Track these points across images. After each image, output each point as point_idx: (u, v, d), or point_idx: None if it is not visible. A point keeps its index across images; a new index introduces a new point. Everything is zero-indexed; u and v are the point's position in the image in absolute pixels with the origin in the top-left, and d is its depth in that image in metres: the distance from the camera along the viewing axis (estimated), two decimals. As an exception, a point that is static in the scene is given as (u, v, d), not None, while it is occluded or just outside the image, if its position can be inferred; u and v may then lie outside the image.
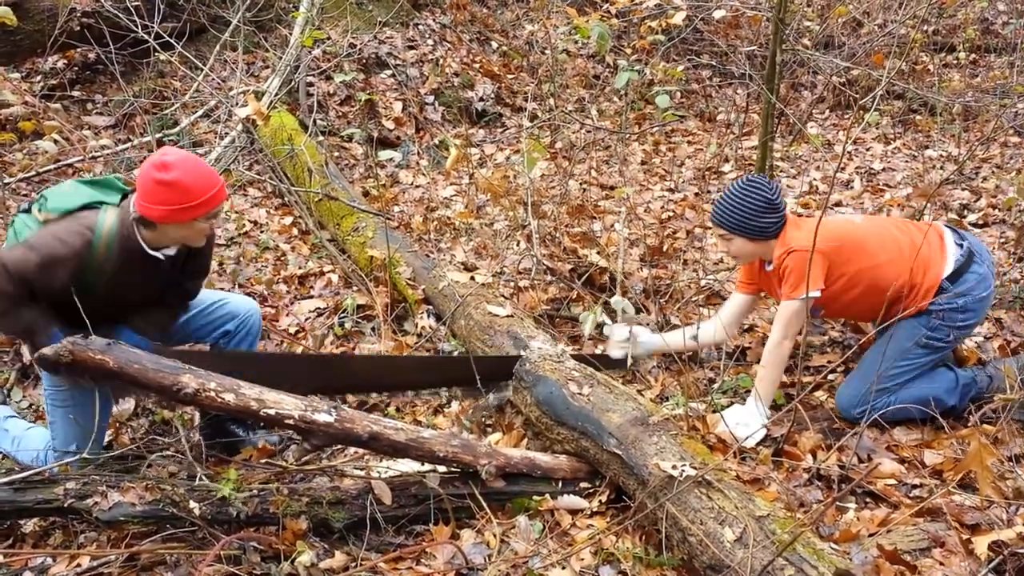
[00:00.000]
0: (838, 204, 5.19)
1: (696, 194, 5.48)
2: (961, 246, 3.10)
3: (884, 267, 3.02)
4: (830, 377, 3.41)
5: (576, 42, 7.10)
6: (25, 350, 3.65)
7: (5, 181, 4.62)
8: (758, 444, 3.00)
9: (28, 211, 2.75)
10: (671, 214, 5.16)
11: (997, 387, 3.16)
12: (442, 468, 2.80)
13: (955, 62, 7.38)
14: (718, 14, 6.17)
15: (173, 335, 3.04)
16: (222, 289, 4.28)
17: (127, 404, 3.37)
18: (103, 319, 2.72)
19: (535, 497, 2.77)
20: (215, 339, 3.12)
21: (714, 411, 3.07)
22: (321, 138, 5.64)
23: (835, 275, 3.06)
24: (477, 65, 7.15)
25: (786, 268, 3.03)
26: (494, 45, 7.62)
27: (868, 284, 3.05)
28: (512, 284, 4.07)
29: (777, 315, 3.08)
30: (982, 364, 3.31)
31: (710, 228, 4.87)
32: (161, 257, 2.77)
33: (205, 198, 2.62)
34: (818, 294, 3.00)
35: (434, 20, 7.39)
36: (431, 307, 3.93)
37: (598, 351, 3.57)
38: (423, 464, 2.81)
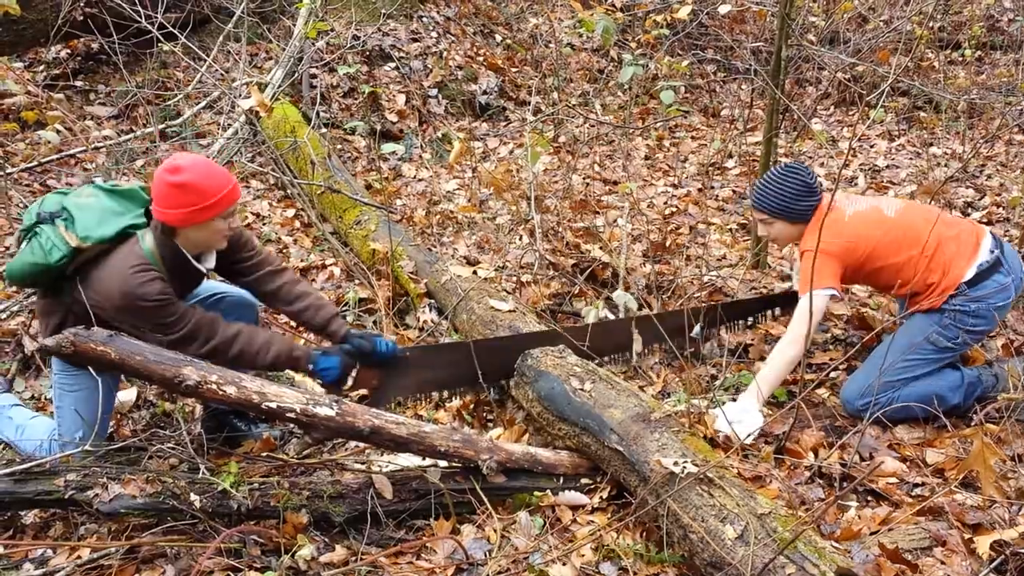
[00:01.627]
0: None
1: (700, 190, 5.47)
2: (993, 252, 3.10)
3: (901, 267, 3.06)
4: (832, 375, 3.41)
5: (580, 36, 7.10)
6: (27, 340, 3.65)
7: (8, 171, 4.61)
8: (754, 440, 2.99)
9: (51, 222, 2.68)
10: (674, 209, 5.15)
11: (1002, 387, 3.16)
12: (443, 463, 2.80)
13: (961, 59, 7.35)
14: (723, 9, 6.14)
15: None
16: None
17: (128, 396, 3.37)
18: None
19: (536, 493, 2.76)
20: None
21: (709, 408, 3.05)
22: (324, 130, 5.64)
23: (848, 273, 3.13)
24: (481, 58, 7.13)
25: (802, 267, 3.10)
26: (498, 38, 7.60)
27: (887, 279, 3.12)
28: (514, 279, 4.06)
29: (794, 314, 3.09)
30: (988, 364, 3.31)
31: (713, 224, 4.88)
32: (203, 270, 2.85)
33: (218, 197, 2.65)
34: (834, 292, 3.05)
35: (438, 12, 7.37)
36: (433, 301, 3.93)
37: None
38: (424, 459, 2.80)
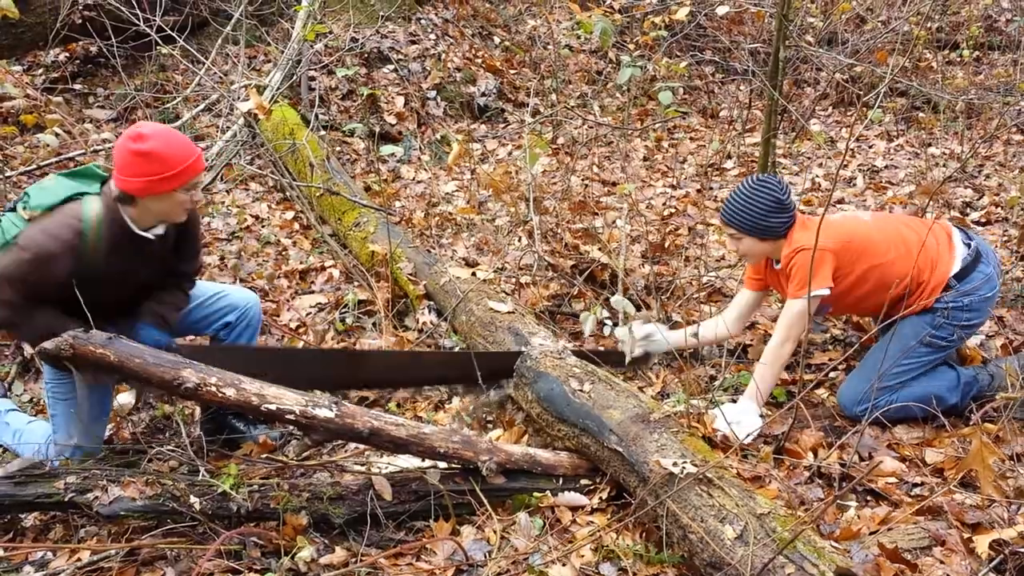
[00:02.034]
0: (840, 201, 5.17)
1: (698, 191, 5.47)
2: (968, 245, 3.10)
3: (892, 264, 3.02)
4: (831, 375, 3.41)
5: (579, 38, 7.10)
6: (26, 344, 3.66)
7: (6, 174, 4.61)
8: (753, 441, 2.99)
9: (14, 209, 2.72)
10: (673, 210, 5.15)
11: (999, 385, 3.16)
12: (443, 464, 2.80)
13: (959, 59, 7.35)
14: (721, 10, 6.16)
15: (175, 328, 3.03)
16: (223, 283, 4.28)
17: (128, 398, 3.37)
18: (115, 314, 2.72)
19: (536, 494, 2.76)
20: (215, 331, 3.12)
21: (708, 409, 3.05)
22: (323, 133, 5.64)
23: (843, 273, 3.05)
24: (479, 60, 7.13)
25: (793, 266, 3.02)
26: (496, 40, 7.60)
27: (876, 281, 3.04)
28: (513, 280, 4.06)
29: (782, 314, 3.08)
30: (984, 363, 3.31)
31: (712, 225, 4.88)
32: (151, 237, 2.75)
33: (183, 167, 2.60)
34: (827, 292, 3.00)
35: (436, 15, 7.37)
36: (432, 303, 3.93)
37: (601, 348, 3.57)
38: (424, 460, 2.81)
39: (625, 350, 3.40)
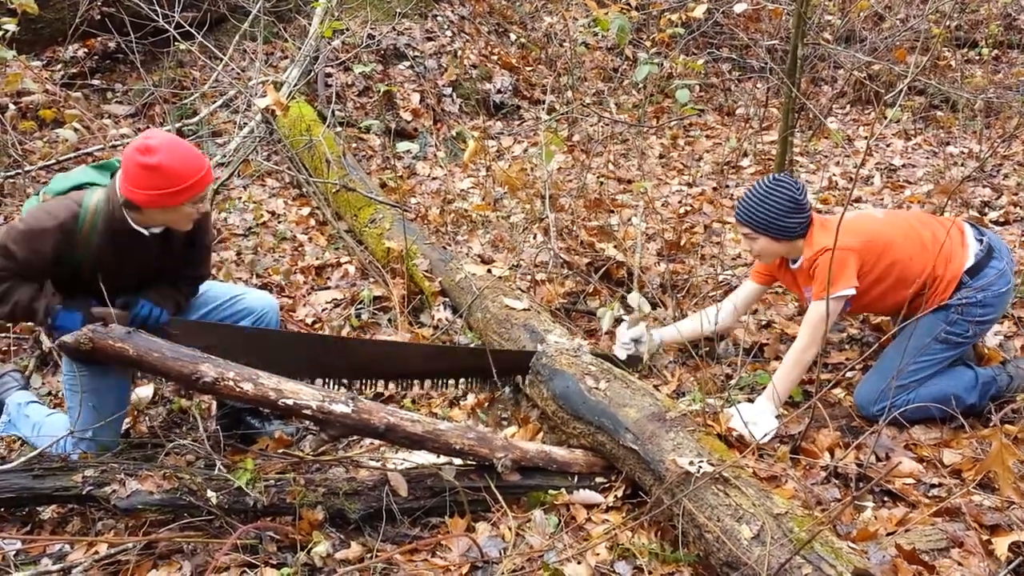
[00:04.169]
0: (858, 200, 5.15)
1: (714, 188, 5.45)
2: (981, 241, 3.08)
3: (909, 261, 3.01)
4: (848, 375, 3.39)
5: (595, 35, 7.08)
6: (45, 337, 3.68)
7: (26, 169, 4.64)
8: (769, 441, 2.98)
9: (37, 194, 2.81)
10: (689, 208, 5.13)
11: (1018, 386, 3.14)
12: (458, 461, 2.81)
13: (977, 58, 7.30)
14: (739, 7, 6.13)
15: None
16: (240, 279, 4.30)
17: (146, 392, 3.39)
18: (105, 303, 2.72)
19: (551, 491, 2.77)
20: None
21: (724, 408, 3.04)
22: (339, 129, 5.65)
23: (865, 271, 3.02)
24: (495, 57, 7.13)
25: (817, 267, 2.99)
26: (512, 37, 7.60)
27: (896, 279, 3.03)
28: (529, 277, 4.06)
29: (806, 316, 3.04)
30: (1003, 363, 3.28)
31: (728, 223, 4.86)
32: (145, 233, 2.73)
33: (190, 183, 2.58)
34: (853, 291, 2.97)
35: (452, 11, 7.37)
36: (448, 299, 3.93)
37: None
38: (439, 456, 2.81)
39: (619, 353, 3.41)
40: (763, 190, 3.06)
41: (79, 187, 2.74)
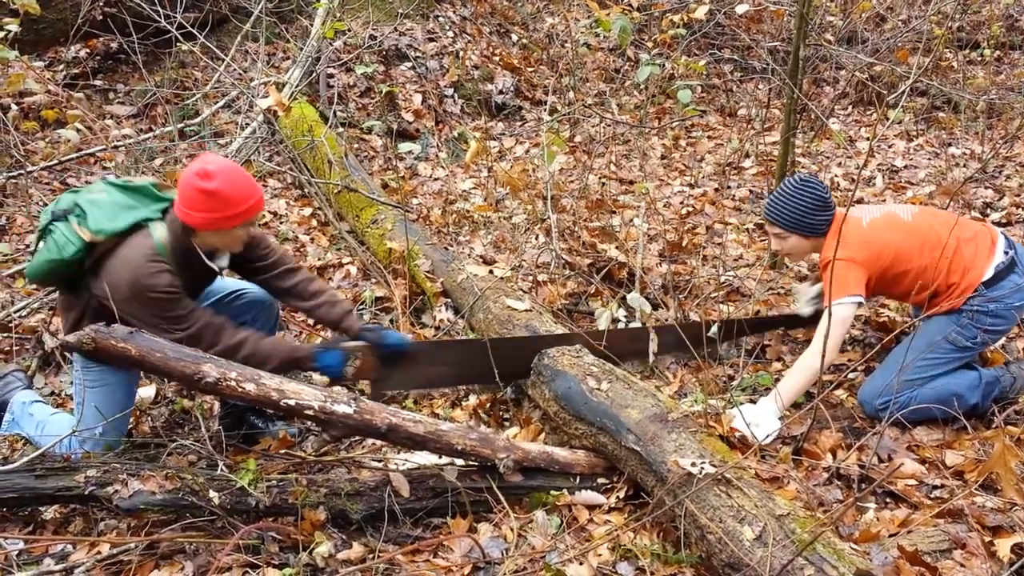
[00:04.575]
0: (860, 201, 5.14)
1: (716, 189, 5.45)
2: (1007, 253, 3.09)
3: (924, 271, 3.04)
4: (851, 376, 3.39)
5: (597, 35, 7.07)
6: (47, 337, 3.69)
7: (28, 169, 4.65)
8: (772, 442, 2.98)
9: (64, 219, 2.70)
10: (691, 209, 5.13)
11: (1021, 387, 3.14)
12: (460, 461, 2.81)
13: (979, 59, 7.30)
14: (741, 8, 6.13)
15: None
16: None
17: (148, 392, 3.40)
18: None
19: (553, 492, 2.77)
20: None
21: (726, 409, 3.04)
22: (341, 130, 5.65)
23: (873, 279, 3.09)
24: (497, 58, 7.13)
25: (825, 274, 3.04)
26: (514, 38, 7.60)
27: (909, 282, 3.08)
28: (531, 278, 4.06)
29: (820, 324, 3.05)
30: (1006, 364, 3.28)
31: (730, 224, 4.86)
32: (216, 268, 2.88)
33: (245, 208, 2.68)
34: (859, 300, 3.03)
35: (454, 12, 7.38)
36: (449, 300, 3.93)
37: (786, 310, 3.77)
38: (441, 457, 2.81)
39: (806, 309, 3.51)
40: (792, 190, 3.16)
41: (134, 227, 2.72)
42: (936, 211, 3.30)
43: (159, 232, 2.72)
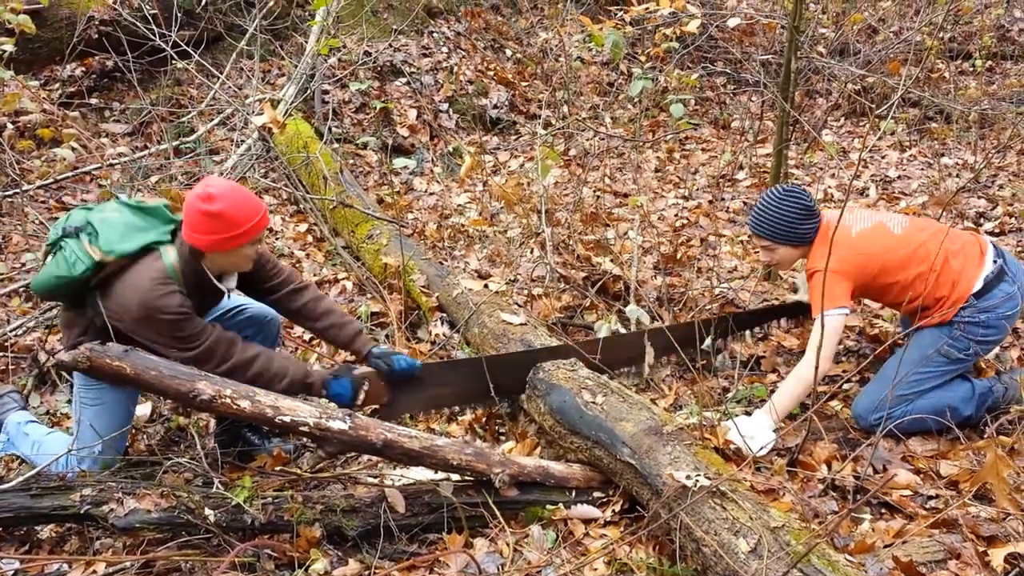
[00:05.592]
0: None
1: (710, 202, 5.47)
2: (996, 262, 3.10)
3: (911, 284, 3.06)
4: (845, 387, 3.40)
5: (590, 50, 7.12)
6: (43, 356, 3.68)
7: (24, 188, 4.66)
8: (766, 454, 2.98)
9: (75, 236, 2.71)
10: (685, 222, 5.15)
11: (1012, 397, 3.15)
12: (455, 476, 2.81)
13: (971, 69, 7.34)
14: (733, 22, 6.16)
15: None
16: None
17: (143, 410, 3.39)
18: None
19: (548, 506, 2.77)
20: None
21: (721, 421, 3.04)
22: (336, 145, 5.67)
23: (859, 290, 3.12)
24: (491, 73, 7.16)
25: (812, 287, 3.08)
26: (508, 53, 7.64)
27: (898, 293, 3.10)
28: (526, 292, 4.07)
29: (811, 336, 3.07)
30: (998, 374, 3.30)
31: (724, 236, 4.88)
32: (224, 289, 2.89)
33: (248, 227, 2.70)
34: (846, 311, 3.04)
35: (448, 28, 7.42)
36: (445, 315, 3.94)
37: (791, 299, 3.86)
38: (436, 472, 2.81)
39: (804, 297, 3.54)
40: (776, 201, 3.16)
41: (145, 249, 2.73)
42: (926, 223, 3.30)
43: (170, 256, 2.73)
